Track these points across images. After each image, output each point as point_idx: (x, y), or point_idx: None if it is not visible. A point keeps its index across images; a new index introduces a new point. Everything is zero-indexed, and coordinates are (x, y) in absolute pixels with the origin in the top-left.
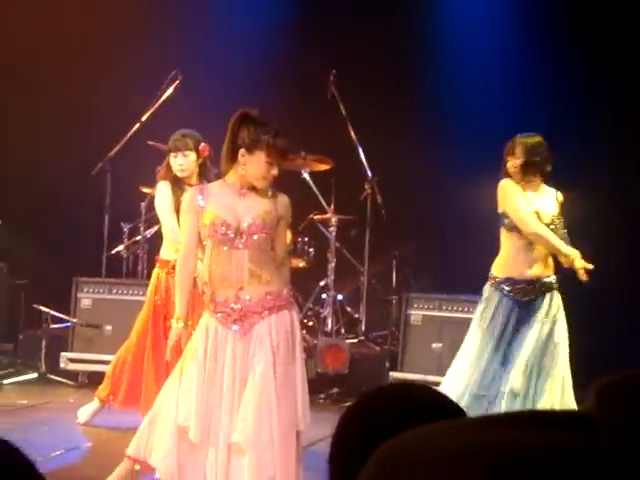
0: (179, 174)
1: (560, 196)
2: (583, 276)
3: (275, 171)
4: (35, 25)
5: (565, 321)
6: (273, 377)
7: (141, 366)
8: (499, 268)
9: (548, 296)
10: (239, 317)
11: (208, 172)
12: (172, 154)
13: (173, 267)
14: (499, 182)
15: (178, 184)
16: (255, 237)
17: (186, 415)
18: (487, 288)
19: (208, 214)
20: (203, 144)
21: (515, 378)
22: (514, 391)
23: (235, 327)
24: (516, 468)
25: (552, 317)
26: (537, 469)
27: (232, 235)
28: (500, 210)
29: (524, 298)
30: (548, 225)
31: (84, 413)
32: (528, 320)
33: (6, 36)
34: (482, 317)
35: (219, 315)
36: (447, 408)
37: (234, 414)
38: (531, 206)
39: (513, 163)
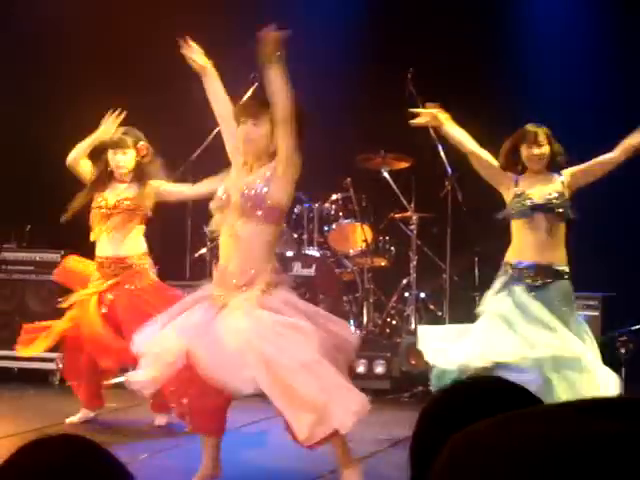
0: (117, 170)
1: (567, 171)
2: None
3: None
4: (113, 26)
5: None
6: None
7: None
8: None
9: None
10: None
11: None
12: (112, 150)
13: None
14: None
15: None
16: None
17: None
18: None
19: None
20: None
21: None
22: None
23: None
24: (579, 461)
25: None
26: (600, 458)
27: None
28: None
29: (534, 283)
30: (549, 201)
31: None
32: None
33: (86, 33)
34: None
35: None
36: (525, 399)
37: None
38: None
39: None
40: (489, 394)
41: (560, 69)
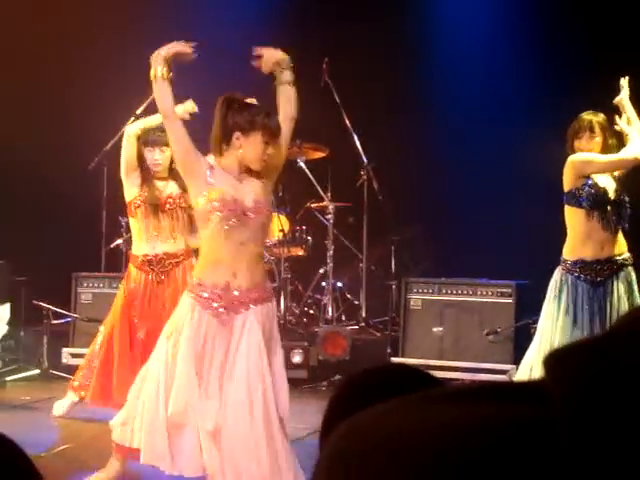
0: (154, 168)
1: None
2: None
3: (270, 150)
4: (32, 22)
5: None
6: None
7: (111, 359)
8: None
9: (622, 274)
10: (226, 304)
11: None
12: (148, 148)
13: (142, 262)
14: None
15: (150, 178)
16: (259, 217)
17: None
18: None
19: (216, 190)
20: None
21: None
22: None
23: (222, 310)
24: (461, 445)
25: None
26: (482, 443)
27: (239, 212)
28: (569, 187)
29: (597, 279)
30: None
31: (59, 406)
32: (604, 300)
33: (6, 32)
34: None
35: (205, 299)
36: (430, 385)
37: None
38: None
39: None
40: (397, 379)
41: (475, 47)
